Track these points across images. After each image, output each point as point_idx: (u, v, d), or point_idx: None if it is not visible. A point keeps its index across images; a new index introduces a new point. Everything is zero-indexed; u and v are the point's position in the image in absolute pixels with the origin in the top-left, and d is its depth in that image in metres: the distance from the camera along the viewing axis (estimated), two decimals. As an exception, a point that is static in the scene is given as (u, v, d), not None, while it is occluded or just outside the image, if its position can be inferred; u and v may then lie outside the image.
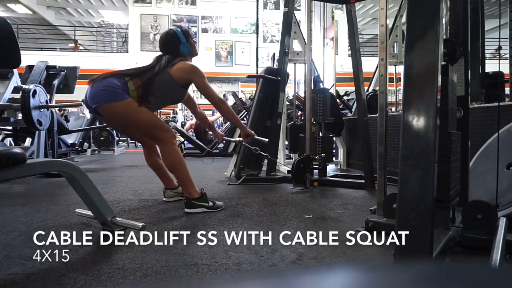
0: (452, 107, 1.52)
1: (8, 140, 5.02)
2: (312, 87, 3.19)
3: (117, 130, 2.36)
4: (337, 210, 2.28)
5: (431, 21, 1.06)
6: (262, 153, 3.02)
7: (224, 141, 2.60)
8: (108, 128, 6.54)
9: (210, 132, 7.69)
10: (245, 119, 5.20)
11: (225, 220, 2.02)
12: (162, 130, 2.22)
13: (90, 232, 1.75)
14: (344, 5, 3.57)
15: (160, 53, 2.33)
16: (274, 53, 4.78)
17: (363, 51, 11.85)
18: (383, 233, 1.74)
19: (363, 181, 3.13)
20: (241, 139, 2.66)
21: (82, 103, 2.49)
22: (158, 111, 11.28)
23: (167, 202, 2.48)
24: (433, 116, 1.01)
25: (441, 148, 1.24)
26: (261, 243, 1.61)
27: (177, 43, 2.29)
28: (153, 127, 2.22)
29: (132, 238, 1.66)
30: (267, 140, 2.52)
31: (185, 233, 1.75)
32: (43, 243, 1.58)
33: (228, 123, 7.29)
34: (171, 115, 13.10)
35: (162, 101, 2.30)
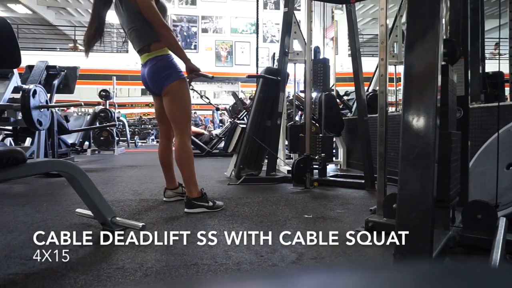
0: (452, 107, 1.52)
1: (8, 140, 5.02)
2: (312, 58, 3.17)
3: (160, 116, 2.22)
4: (337, 210, 2.28)
5: (431, 21, 1.06)
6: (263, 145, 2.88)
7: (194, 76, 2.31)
8: (108, 128, 6.54)
9: (208, 133, 7.66)
10: (245, 119, 5.20)
11: (225, 220, 2.02)
12: (189, 123, 2.30)
13: (90, 232, 1.75)
14: (344, 5, 3.57)
15: None
16: (274, 53, 4.78)
17: (363, 51, 11.84)
18: (383, 233, 1.74)
19: (363, 181, 3.13)
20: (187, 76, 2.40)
21: (82, 103, 2.48)
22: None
23: (167, 202, 2.48)
24: (433, 116, 1.01)
25: (441, 148, 1.24)
26: (261, 243, 1.61)
27: None
28: (188, 115, 2.29)
29: (132, 238, 1.66)
30: (211, 76, 2.39)
31: (185, 233, 1.75)
32: (43, 243, 1.58)
33: (228, 123, 7.29)
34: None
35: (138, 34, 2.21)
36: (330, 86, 4.86)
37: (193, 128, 7.44)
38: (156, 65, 2.17)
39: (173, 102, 2.20)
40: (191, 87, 2.40)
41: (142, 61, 2.24)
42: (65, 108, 10.81)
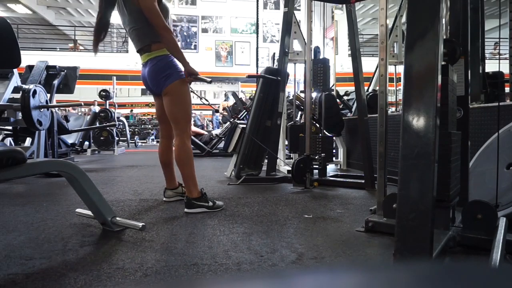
0: (452, 107, 1.52)
1: (8, 140, 5.02)
2: (312, 58, 3.16)
3: (160, 115, 2.20)
4: (337, 210, 2.28)
5: (431, 21, 1.06)
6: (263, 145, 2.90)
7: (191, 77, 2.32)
8: (108, 128, 6.54)
9: (207, 133, 7.65)
10: (245, 119, 5.20)
11: (225, 220, 2.02)
12: (189, 123, 2.30)
13: (90, 232, 1.76)
14: (344, 5, 3.57)
15: None
16: (274, 53, 4.78)
17: (363, 51, 11.84)
18: (383, 233, 1.74)
19: (363, 181, 3.13)
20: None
21: (82, 103, 2.48)
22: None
23: (167, 202, 2.48)
24: (433, 116, 1.01)
25: (441, 148, 1.24)
26: (261, 243, 1.61)
27: None
28: (189, 115, 2.29)
29: (132, 238, 1.66)
30: (210, 80, 2.39)
31: (185, 233, 1.76)
32: (43, 243, 1.58)
33: (228, 123, 7.28)
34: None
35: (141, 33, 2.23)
36: (330, 86, 4.86)
37: (193, 128, 7.44)
38: (156, 65, 2.18)
39: (173, 102, 2.20)
40: (190, 89, 2.40)
41: (143, 60, 2.24)
42: (70, 108, 10.83)
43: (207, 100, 2.81)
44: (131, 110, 14.37)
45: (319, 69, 3.13)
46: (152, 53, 2.18)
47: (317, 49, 3.99)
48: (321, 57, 4.03)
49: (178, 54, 2.16)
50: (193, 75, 2.24)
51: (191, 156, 2.27)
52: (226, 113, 8.19)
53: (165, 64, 2.18)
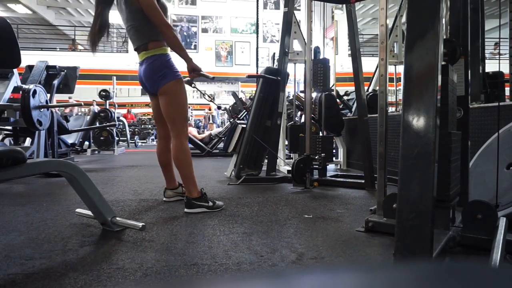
0: (452, 107, 1.52)
1: (8, 140, 5.02)
2: (312, 58, 3.16)
3: (158, 115, 2.21)
4: (337, 210, 2.28)
5: (431, 21, 1.06)
6: (264, 144, 2.91)
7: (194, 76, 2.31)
8: (108, 128, 6.54)
9: (207, 133, 7.65)
10: (245, 119, 5.20)
11: (225, 220, 2.02)
12: (185, 123, 2.29)
13: (90, 232, 1.76)
14: (344, 5, 3.57)
15: None
16: (274, 53, 4.78)
17: (363, 51, 11.84)
18: (383, 233, 1.74)
19: (363, 181, 3.13)
20: (188, 79, 2.45)
21: (82, 103, 2.47)
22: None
23: (167, 202, 2.48)
24: (433, 116, 1.01)
25: (441, 148, 1.24)
26: (261, 243, 1.61)
27: None
28: (185, 116, 2.27)
29: (132, 238, 1.66)
30: (212, 76, 2.38)
31: (185, 233, 1.76)
32: (43, 243, 1.58)
33: (228, 123, 7.28)
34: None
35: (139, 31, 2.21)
36: (330, 86, 4.86)
37: (194, 132, 7.43)
38: (152, 64, 2.17)
39: (169, 102, 2.20)
40: (193, 85, 2.39)
41: (140, 59, 2.24)
42: (67, 109, 10.83)
43: (209, 97, 2.81)
44: (128, 111, 14.30)
45: (319, 69, 3.13)
46: (149, 51, 2.17)
47: (317, 49, 3.99)
48: (321, 57, 4.03)
49: (180, 50, 2.14)
50: (196, 71, 2.24)
51: (189, 156, 2.26)
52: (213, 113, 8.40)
53: (161, 64, 2.17)
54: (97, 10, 2.21)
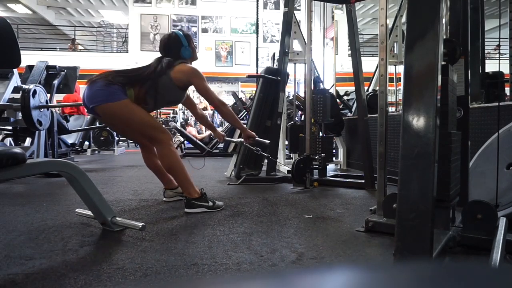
0: (452, 107, 1.52)
1: (8, 140, 5.02)
2: (312, 88, 3.20)
3: (115, 131, 2.37)
4: (337, 210, 2.28)
5: (431, 21, 1.06)
6: (263, 153, 3.03)
7: (224, 141, 2.61)
8: (108, 128, 6.54)
9: (207, 133, 7.67)
10: (245, 119, 5.21)
11: (225, 220, 2.02)
12: (158, 131, 2.22)
13: (90, 232, 1.76)
14: (344, 5, 3.57)
15: (159, 55, 2.34)
16: (274, 53, 4.78)
17: (363, 51, 11.85)
18: (383, 233, 1.74)
19: (363, 181, 3.13)
20: (242, 139, 2.66)
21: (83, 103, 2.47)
22: (158, 110, 11.23)
23: (167, 202, 2.48)
24: (433, 116, 1.01)
25: (441, 148, 1.24)
26: (261, 243, 1.61)
27: (178, 46, 2.31)
28: (149, 128, 2.22)
29: (132, 238, 1.66)
30: (268, 142, 2.52)
31: (185, 233, 1.76)
32: (43, 243, 1.58)
33: (228, 123, 7.27)
34: (171, 115, 13.11)
35: (159, 103, 2.30)
36: (330, 87, 4.86)
37: (194, 132, 7.42)
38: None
39: (122, 120, 2.18)
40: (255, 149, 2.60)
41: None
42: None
43: (201, 102, 2.91)
44: None
45: (319, 100, 3.16)
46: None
47: (317, 79, 3.99)
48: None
49: (237, 123, 2.47)
50: (251, 138, 2.50)
51: (178, 160, 2.24)
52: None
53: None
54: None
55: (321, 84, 4.02)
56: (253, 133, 2.52)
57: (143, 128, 2.22)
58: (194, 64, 2.35)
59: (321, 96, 3.16)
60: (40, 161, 1.73)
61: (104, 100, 2.09)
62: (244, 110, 5.69)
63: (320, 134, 3.44)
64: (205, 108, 8.75)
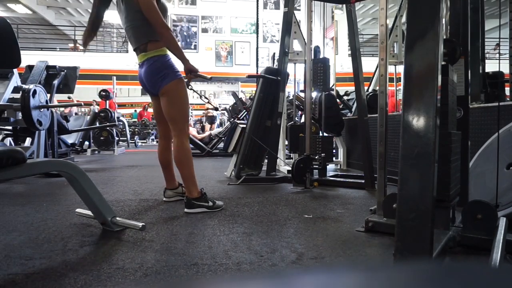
0: (452, 107, 1.52)
1: (8, 140, 5.02)
2: (312, 57, 3.15)
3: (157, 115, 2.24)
4: (337, 210, 2.28)
5: (431, 21, 1.06)
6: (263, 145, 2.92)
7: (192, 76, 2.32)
8: (108, 128, 6.54)
9: (207, 133, 7.64)
10: (245, 119, 5.20)
11: (225, 220, 2.02)
12: (186, 123, 2.29)
13: (90, 232, 1.76)
14: (344, 5, 3.57)
15: None
16: (274, 53, 4.78)
17: (363, 51, 11.84)
18: (383, 233, 1.74)
19: (363, 181, 3.13)
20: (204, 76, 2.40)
21: (82, 103, 2.47)
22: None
23: (167, 202, 2.48)
24: (433, 116, 1.01)
25: (441, 148, 1.24)
26: (261, 243, 1.61)
27: None
28: (186, 115, 2.28)
29: (132, 238, 1.66)
30: (209, 77, 2.39)
31: (185, 233, 1.76)
32: (43, 243, 1.58)
33: (228, 123, 7.28)
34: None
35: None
36: (330, 86, 4.86)
37: (193, 132, 7.43)
38: (153, 65, 2.17)
39: (170, 102, 2.20)
40: (190, 87, 2.39)
41: (139, 60, 2.24)
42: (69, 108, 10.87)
43: (207, 98, 2.82)
44: (135, 110, 14.54)
45: (319, 69, 3.13)
46: (149, 53, 2.17)
47: (317, 49, 3.99)
48: (321, 56, 4.03)
49: (178, 51, 2.16)
50: (192, 72, 2.26)
51: (190, 156, 2.27)
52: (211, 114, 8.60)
53: (162, 65, 2.17)
54: (93, 10, 2.22)
55: (320, 54, 4.01)
56: (196, 68, 2.27)
57: (185, 112, 2.26)
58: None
59: (321, 65, 3.14)
60: (40, 161, 1.73)
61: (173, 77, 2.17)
62: (244, 110, 5.68)
63: (320, 134, 3.44)
64: (215, 109, 8.71)
